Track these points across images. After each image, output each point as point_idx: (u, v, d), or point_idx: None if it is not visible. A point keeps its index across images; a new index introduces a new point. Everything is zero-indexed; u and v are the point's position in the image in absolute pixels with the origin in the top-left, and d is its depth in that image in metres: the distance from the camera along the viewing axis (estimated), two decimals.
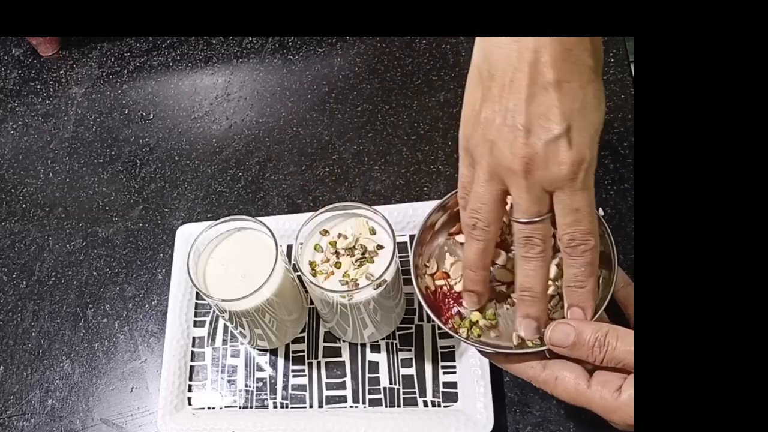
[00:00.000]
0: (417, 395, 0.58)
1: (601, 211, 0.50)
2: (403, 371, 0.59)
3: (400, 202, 0.65)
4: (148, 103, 0.80)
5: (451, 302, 0.47)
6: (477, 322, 0.45)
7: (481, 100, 0.39)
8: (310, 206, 0.69)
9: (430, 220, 0.49)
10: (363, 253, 0.53)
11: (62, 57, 0.87)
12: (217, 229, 0.56)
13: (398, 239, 0.56)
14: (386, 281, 0.51)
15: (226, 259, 0.56)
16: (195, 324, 0.64)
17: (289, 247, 0.64)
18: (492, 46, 0.39)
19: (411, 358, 0.59)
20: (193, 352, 0.63)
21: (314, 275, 0.53)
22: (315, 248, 0.54)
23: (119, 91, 0.82)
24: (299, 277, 0.60)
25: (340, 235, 0.54)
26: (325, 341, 0.61)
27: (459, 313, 0.46)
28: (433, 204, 0.49)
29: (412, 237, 0.62)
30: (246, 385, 0.61)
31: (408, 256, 0.50)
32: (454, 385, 0.57)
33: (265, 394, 0.61)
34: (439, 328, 0.58)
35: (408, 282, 0.50)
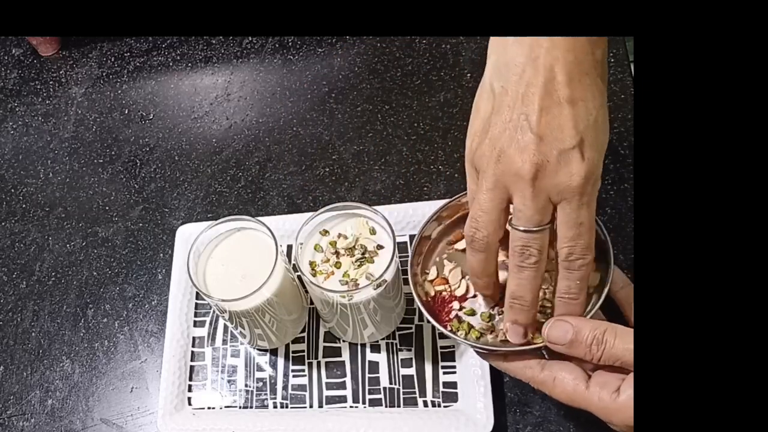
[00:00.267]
0: (417, 395, 0.58)
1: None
2: (403, 371, 0.59)
3: (400, 202, 0.65)
4: (148, 103, 0.80)
5: (450, 306, 0.47)
6: (474, 325, 0.46)
7: (492, 113, 0.39)
8: (310, 206, 0.69)
9: (426, 231, 0.49)
10: (363, 253, 0.53)
11: (62, 57, 0.87)
12: (217, 229, 0.56)
13: (398, 239, 0.56)
14: (386, 281, 0.51)
15: (226, 259, 0.56)
16: (195, 324, 0.64)
17: (289, 247, 0.64)
18: (506, 63, 0.39)
19: (411, 358, 0.59)
20: (193, 352, 0.63)
21: (314, 275, 0.53)
22: (315, 248, 0.54)
23: (119, 91, 0.82)
24: (299, 277, 0.60)
25: (340, 235, 0.54)
26: (325, 341, 0.61)
27: (458, 317, 0.47)
28: (431, 204, 0.49)
29: (412, 237, 0.62)
30: (246, 385, 0.61)
31: (408, 256, 0.51)
32: (454, 385, 0.57)
33: (265, 394, 0.61)
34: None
35: (408, 282, 0.50)
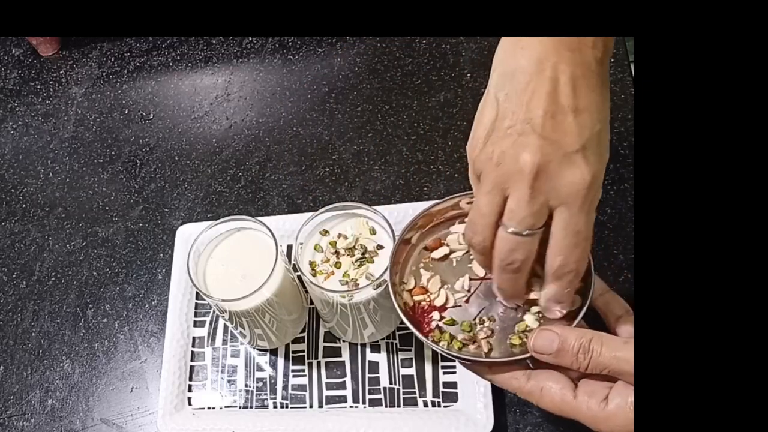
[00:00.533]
0: (417, 395, 0.58)
1: None
2: (403, 371, 0.59)
3: (400, 202, 0.65)
4: (148, 103, 0.80)
5: (431, 317, 0.46)
6: (456, 336, 0.45)
7: (495, 120, 0.39)
8: (310, 206, 0.69)
9: (405, 236, 0.48)
10: (363, 253, 0.53)
11: (62, 57, 0.87)
12: (217, 229, 0.56)
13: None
14: (386, 281, 0.51)
15: (226, 259, 0.56)
16: (195, 324, 0.64)
17: (289, 247, 0.64)
18: (512, 74, 0.38)
19: (411, 358, 0.59)
20: (193, 352, 0.63)
21: (314, 275, 0.53)
22: (315, 248, 0.54)
23: (119, 91, 0.82)
24: (299, 277, 0.60)
25: (340, 235, 0.54)
26: (325, 341, 0.61)
27: (439, 327, 0.46)
28: (431, 205, 0.48)
29: None
30: (246, 385, 0.61)
31: None
32: (454, 385, 0.57)
33: (265, 394, 0.61)
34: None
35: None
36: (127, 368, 0.65)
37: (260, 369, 0.62)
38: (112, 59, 0.85)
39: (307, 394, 0.60)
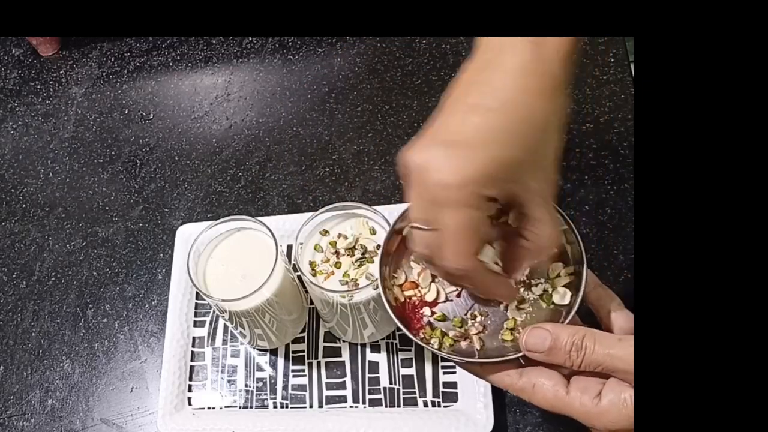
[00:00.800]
0: (417, 395, 0.58)
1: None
2: (403, 371, 0.59)
3: (400, 202, 0.65)
4: (148, 103, 0.80)
5: (422, 313, 0.45)
6: (447, 332, 0.44)
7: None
8: (310, 206, 0.69)
9: (396, 227, 0.46)
10: (363, 253, 0.53)
11: (62, 57, 0.87)
12: (217, 229, 0.56)
13: None
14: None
15: (226, 259, 0.56)
16: (195, 324, 0.64)
17: (289, 247, 0.64)
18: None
19: (411, 358, 0.59)
20: (193, 352, 0.63)
21: (314, 275, 0.53)
22: (315, 248, 0.54)
23: (119, 91, 0.82)
24: (299, 277, 0.60)
25: (340, 235, 0.54)
26: (325, 341, 0.61)
27: (430, 323, 0.45)
28: None
29: None
30: (246, 385, 0.61)
31: None
32: (454, 385, 0.57)
33: (265, 394, 0.61)
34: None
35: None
36: (127, 368, 0.65)
37: (260, 369, 0.62)
38: (112, 59, 0.85)
39: (307, 394, 0.60)
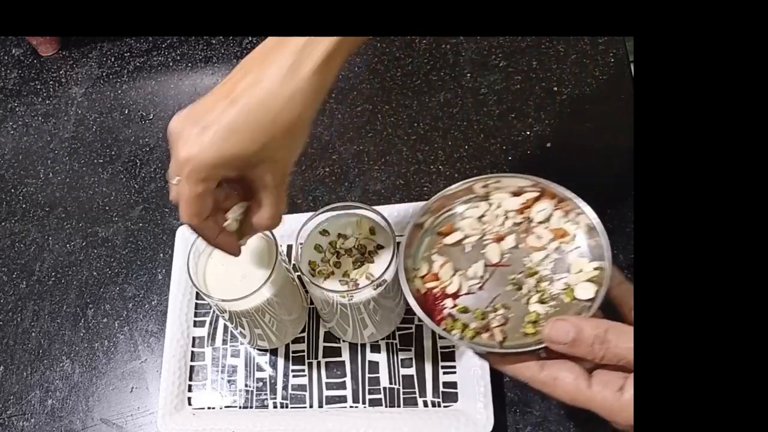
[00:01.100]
0: (417, 395, 0.58)
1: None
2: (403, 371, 0.59)
3: (400, 202, 0.65)
4: (148, 103, 0.80)
5: (443, 305, 0.46)
6: (468, 324, 0.45)
7: None
8: (310, 206, 0.69)
9: (418, 221, 0.48)
10: (363, 253, 0.53)
11: (62, 57, 0.87)
12: None
13: (398, 239, 0.56)
14: (386, 281, 0.51)
15: (226, 259, 0.56)
16: (195, 324, 0.64)
17: (289, 247, 0.64)
18: None
19: (411, 358, 0.59)
20: (193, 352, 0.63)
21: (314, 275, 0.53)
22: (315, 248, 0.54)
23: (119, 91, 0.82)
24: (299, 277, 0.60)
25: (340, 235, 0.54)
26: (325, 341, 0.61)
27: (451, 315, 0.46)
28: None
29: None
30: (246, 385, 0.61)
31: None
32: (454, 385, 0.57)
33: (265, 394, 0.61)
34: None
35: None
36: (127, 368, 0.65)
37: (260, 369, 0.62)
38: (112, 59, 0.85)
39: (307, 394, 0.60)
